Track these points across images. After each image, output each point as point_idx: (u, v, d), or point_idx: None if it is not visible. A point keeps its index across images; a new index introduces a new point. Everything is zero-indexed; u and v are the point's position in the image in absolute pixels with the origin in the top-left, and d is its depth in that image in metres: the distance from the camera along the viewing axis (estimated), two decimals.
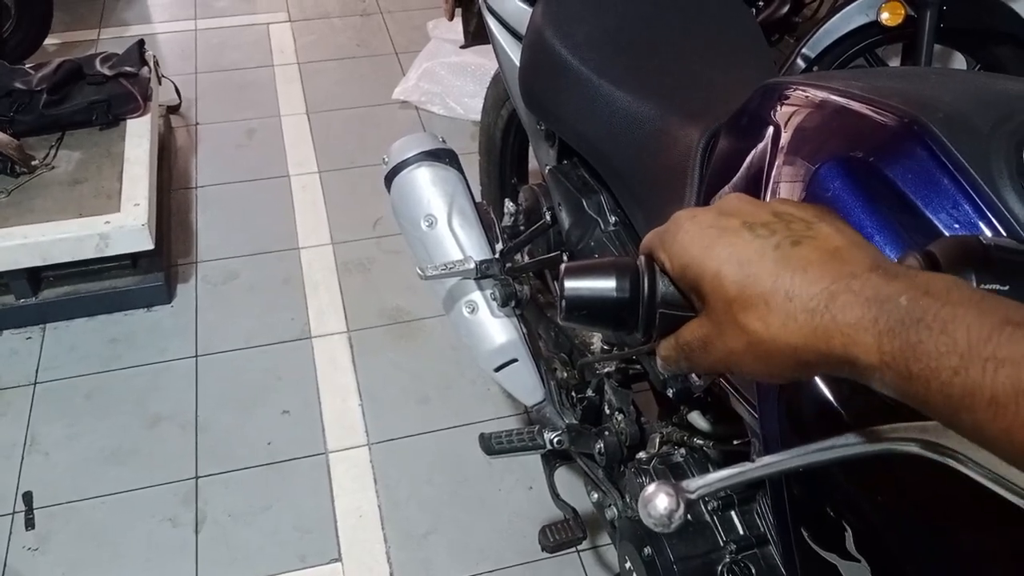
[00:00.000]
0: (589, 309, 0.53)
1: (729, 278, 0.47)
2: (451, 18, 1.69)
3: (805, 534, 0.69)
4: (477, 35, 1.65)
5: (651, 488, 0.48)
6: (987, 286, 0.47)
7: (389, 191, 1.40)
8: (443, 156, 1.38)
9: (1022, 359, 0.37)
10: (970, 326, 0.39)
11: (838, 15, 1.92)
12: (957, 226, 0.57)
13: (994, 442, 0.39)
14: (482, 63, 2.70)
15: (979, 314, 0.39)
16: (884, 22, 1.87)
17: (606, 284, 0.52)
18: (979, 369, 0.38)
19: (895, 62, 2.15)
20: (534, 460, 1.41)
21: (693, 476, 0.98)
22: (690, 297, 0.51)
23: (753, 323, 0.46)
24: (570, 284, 0.53)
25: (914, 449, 0.49)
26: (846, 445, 0.52)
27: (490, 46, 1.48)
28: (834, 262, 0.45)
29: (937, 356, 0.39)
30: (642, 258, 0.53)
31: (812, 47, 1.93)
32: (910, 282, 0.42)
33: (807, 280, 0.45)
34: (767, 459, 0.51)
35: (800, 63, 1.94)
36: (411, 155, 1.37)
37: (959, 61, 2.09)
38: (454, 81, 2.79)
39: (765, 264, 0.46)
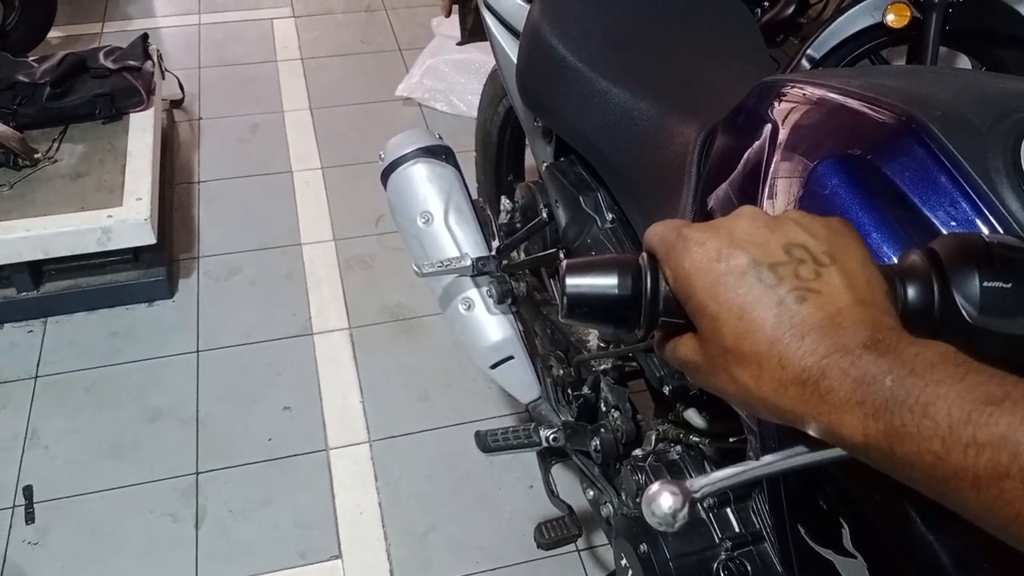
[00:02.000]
0: (590, 306, 0.52)
1: (727, 326, 0.47)
2: (448, 14, 1.68)
3: (802, 531, 0.69)
4: (474, 32, 1.65)
5: (655, 487, 0.47)
6: (990, 283, 0.47)
7: (385, 188, 1.40)
8: (439, 152, 1.38)
9: (1001, 441, 0.37)
10: (950, 409, 0.39)
11: (844, 16, 1.91)
12: (954, 223, 0.57)
13: (979, 518, 0.39)
14: (486, 60, 2.67)
15: (960, 394, 0.39)
16: (890, 24, 1.87)
17: (608, 281, 0.52)
18: (961, 453, 0.38)
19: (900, 64, 2.14)
20: (535, 458, 1.41)
21: (690, 473, 0.99)
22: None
23: (744, 378, 0.47)
24: (571, 281, 0.52)
25: None
26: None
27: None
28: (831, 331, 0.44)
29: (920, 440, 0.39)
30: (644, 255, 0.52)
31: (817, 48, 1.92)
32: (898, 358, 0.42)
33: (802, 350, 0.44)
34: (770, 457, 0.50)
35: (805, 64, 1.94)
36: (407, 151, 1.36)
37: (964, 63, 2.08)
38: (458, 78, 2.78)
39: (765, 322, 0.46)
